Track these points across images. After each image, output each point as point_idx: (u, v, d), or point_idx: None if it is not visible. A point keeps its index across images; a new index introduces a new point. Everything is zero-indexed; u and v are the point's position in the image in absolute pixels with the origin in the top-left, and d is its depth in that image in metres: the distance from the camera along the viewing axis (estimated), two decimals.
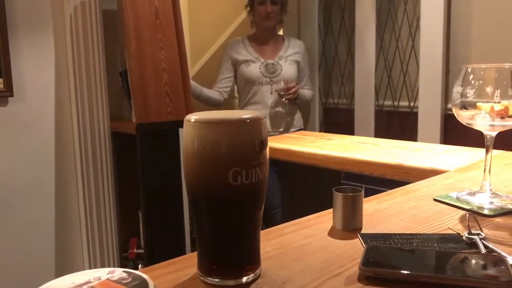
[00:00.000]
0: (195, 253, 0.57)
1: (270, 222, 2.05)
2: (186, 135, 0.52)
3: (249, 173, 0.51)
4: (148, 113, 2.00)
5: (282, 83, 2.48)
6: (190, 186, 0.54)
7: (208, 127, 0.50)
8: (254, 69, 2.52)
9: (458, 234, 0.67)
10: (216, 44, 3.19)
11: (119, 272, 0.51)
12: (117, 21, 2.11)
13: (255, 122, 0.52)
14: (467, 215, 0.69)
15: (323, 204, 0.78)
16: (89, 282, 0.49)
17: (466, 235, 0.65)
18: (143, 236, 2.16)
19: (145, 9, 1.99)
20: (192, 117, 0.51)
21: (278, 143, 1.66)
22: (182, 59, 2.08)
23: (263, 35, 2.58)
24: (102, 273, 0.51)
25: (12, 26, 1.88)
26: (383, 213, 0.79)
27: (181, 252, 2.08)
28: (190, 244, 2.18)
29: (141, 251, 2.27)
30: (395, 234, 0.67)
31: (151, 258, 2.05)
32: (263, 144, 0.52)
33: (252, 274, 0.54)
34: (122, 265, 2.25)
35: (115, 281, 0.49)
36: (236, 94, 2.82)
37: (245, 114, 0.52)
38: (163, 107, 2.03)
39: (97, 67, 2.07)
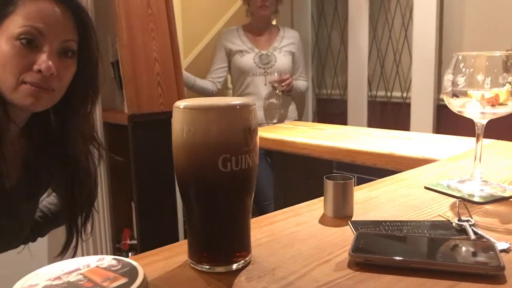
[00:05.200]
0: (186, 241, 0.57)
1: (263, 213, 2.05)
2: (176, 122, 0.51)
3: (239, 160, 0.50)
4: (140, 104, 1.98)
5: (276, 75, 2.46)
6: (179, 173, 0.53)
7: (198, 113, 0.50)
8: (248, 59, 2.50)
9: (448, 220, 0.68)
10: (210, 34, 3.15)
11: (108, 260, 0.51)
12: (108, 11, 2.08)
13: (245, 108, 0.51)
14: (457, 202, 0.70)
15: (316, 195, 0.78)
16: (78, 269, 0.49)
17: (456, 221, 0.65)
18: (136, 227, 2.15)
19: None
20: (181, 103, 0.51)
21: (270, 133, 1.65)
22: (174, 49, 2.07)
23: (258, 25, 2.55)
24: (92, 260, 0.51)
25: None
26: (374, 201, 0.79)
27: (174, 242, 2.08)
28: (183, 235, 2.18)
29: (134, 242, 2.26)
30: (385, 221, 0.68)
31: (144, 249, 2.05)
32: (253, 130, 0.52)
33: (242, 261, 0.54)
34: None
35: (104, 268, 0.49)
36: (230, 85, 2.80)
37: (235, 100, 0.52)
38: (155, 97, 2.02)
39: None
